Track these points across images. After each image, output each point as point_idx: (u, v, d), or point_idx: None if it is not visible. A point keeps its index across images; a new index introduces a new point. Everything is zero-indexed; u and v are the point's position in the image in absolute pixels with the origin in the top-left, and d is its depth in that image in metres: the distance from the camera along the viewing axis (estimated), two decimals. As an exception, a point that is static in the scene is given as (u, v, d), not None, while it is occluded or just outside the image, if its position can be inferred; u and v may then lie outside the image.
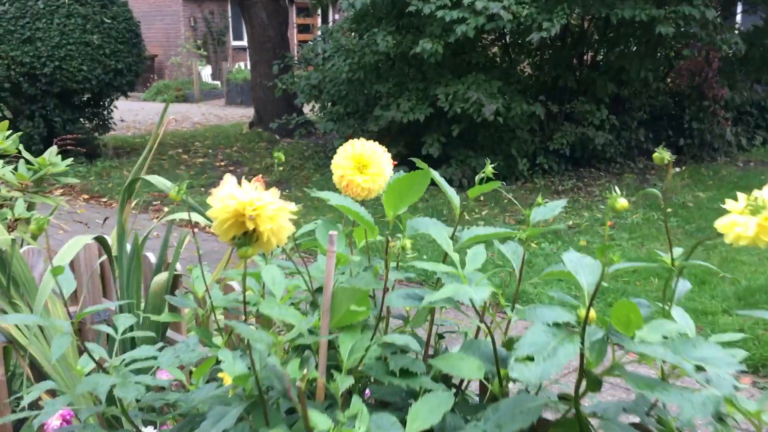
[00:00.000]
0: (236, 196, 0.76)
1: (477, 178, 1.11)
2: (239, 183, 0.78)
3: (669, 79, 7.64)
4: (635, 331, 0.77)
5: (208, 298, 1.15)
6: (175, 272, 1.69)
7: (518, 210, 5.64)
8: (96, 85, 6.96)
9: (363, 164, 1.10)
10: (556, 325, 0.78)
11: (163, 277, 1.62)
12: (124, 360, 1.05)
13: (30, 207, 2.32)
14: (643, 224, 5.10)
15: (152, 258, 1.80)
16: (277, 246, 0.80)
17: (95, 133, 7.56)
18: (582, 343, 0.77)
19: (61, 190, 6.37)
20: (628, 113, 7.13)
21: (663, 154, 0.87)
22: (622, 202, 0.82)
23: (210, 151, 8.13)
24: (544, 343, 0.76)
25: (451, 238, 0.96)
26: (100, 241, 1.62)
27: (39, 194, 2.32)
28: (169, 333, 1.71)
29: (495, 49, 7.29)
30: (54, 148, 2.44)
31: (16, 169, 2.24)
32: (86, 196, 6.18)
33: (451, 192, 1.06)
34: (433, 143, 6.25)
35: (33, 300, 1.84)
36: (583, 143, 6.63)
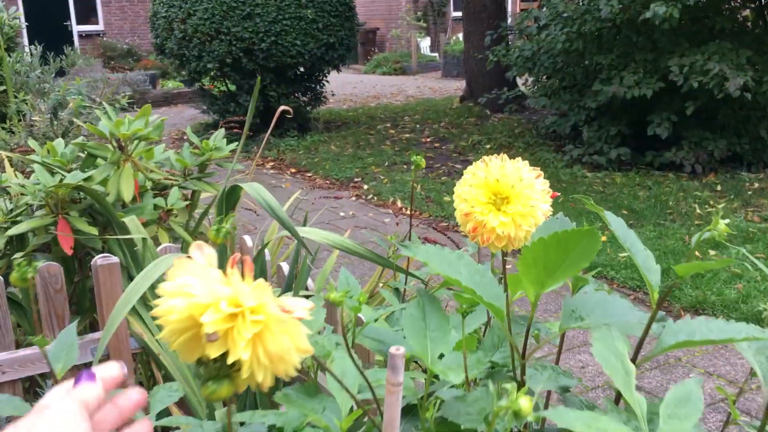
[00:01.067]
0: (193, 290, 0.41)
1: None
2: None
3: None
4: None
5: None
6: (305, 292, 1.40)
7: (765, 205, 4.68)
8: (308, 59, 7.04)
9: (502, 196, 0.69)
10: None
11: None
12: None
13: (194, 195, 2.19)
14: None
15: (285, 269, 1.53)
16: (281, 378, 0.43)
17: (308, 107, 7.70)
18: None
19: (272, 163, 6.55)
20: None
21: None
22: None
23: (417, 126, 7.93)
24: None
25: (638, 350, 0.53)
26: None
27: (202, 181, 2.16)
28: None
29: (746, 12, 6.16)
30: (221, 131, 2.28)
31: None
32: (293, 170, 6.27)
33: (642, 259, 0.61)
34: (662, 122, 5.43)
35: (169, 303, 1.66)
36: None
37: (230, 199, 1.32)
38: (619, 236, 0.58)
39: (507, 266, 0.74)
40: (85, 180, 1.68)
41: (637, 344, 0.56)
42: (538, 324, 0.86)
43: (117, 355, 1.60)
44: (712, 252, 3.87)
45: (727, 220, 0.55)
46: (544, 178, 0.72)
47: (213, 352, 0.40)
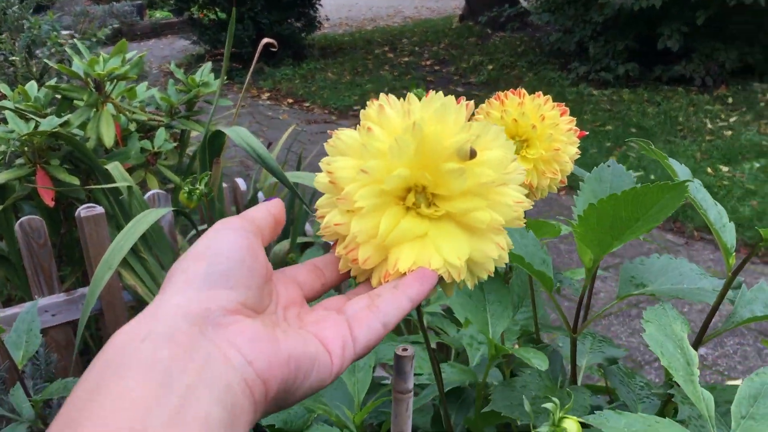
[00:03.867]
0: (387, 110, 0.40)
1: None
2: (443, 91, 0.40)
3: None
4: None
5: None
6: (304, 239, 1.31)
7: (779, 117, 4.53)
8: (300, -17, 6.75)
9: (521, 138, 0.58)
10: None
11: (284, 247, 1.24)
12: None
13: (183, 135, 2.07)
14: None
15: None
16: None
17: (303, 34, 7.43)
18: None
19: (268, 94, 6.37)
20: None
21: None
22: None
23: (416, 48, 7.68)
24: None
25: (707, 324, 0.43)
26: (183, 215, 1.26)
27: (190, 120, 2.04)
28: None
29: None
30: (208, 65, 2.13)
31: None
32: (291, 100, 6.09)
33: (714, 216, 0.50)
34: (672, 35, 5.20)
35: (162, 253, 1.58)
36: None
37: (214, 145, 1.21)
38: (689, 187, 0.47)
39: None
40: (61, 125, 1.56)
41: (708, 315, 0.46)
42: (559, 275, 0.77)
43: (110, 310, 1.52)
44: (724, 168, 3.76)
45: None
46: (550, 98, 0.61)
47: None
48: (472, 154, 0.36)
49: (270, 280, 0.37)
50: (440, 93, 0.39)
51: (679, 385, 0.47)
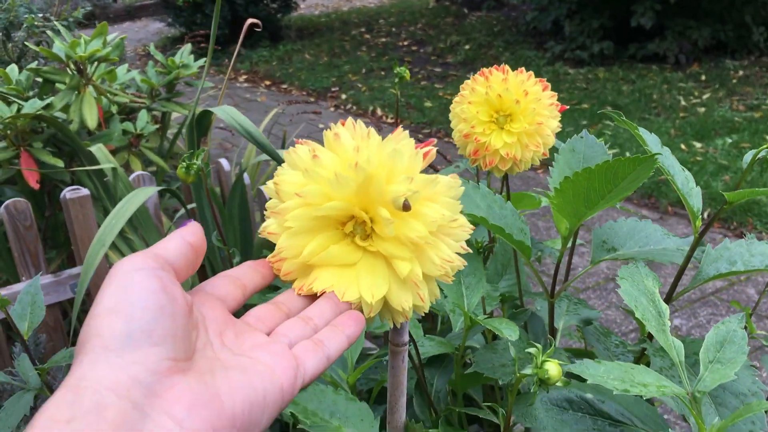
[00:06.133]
0: (342, 137, 0.39)
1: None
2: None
3: None
4: None
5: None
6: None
7: (751, 93, 4.61)
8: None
9: (505, 113, 0.61)
10: None
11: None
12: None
13: (164, 117, 2.07)
14: None
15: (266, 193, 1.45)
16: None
17: (279, 15, 7.38)
18: None
19: (246, 76, 6.33)
20: None
21: None
22: None
23: (393, 29, 7.67)
24: None
25: (676, 282, 0.46)
26: (173, 194, 1.28)
27: (171, 102, 2.04)
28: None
29: None
30: (188, 47, 2.13)
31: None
32: (268, 82, 6.06)
33: (681, 181, 0.54)
34: (645, 12, 5.25)
35: (148, 233, 1.59)
36: None
37: (201, 125, 1.23)
38: (657, 156, 0.50)
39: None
40: (44, 108, 1.57)
41: (677, 275, 0.50)
42: (540, 244, 0.80)
43: (98, 290, 1.54)
44: (697, 144, 3.83)
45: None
46: (532, 73, 0.64)
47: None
48: (406, 208, 0.36)
49: (192, 313, 0.35)
50: (405, 133, 0.39)
51: (651, 340, 0.51)
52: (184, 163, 0.58)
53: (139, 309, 0.32)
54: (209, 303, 0.37)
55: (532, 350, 0.40)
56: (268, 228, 0.40)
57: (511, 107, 0.59)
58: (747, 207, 3.00)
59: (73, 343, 1.64)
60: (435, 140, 0.41)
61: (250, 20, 1.01)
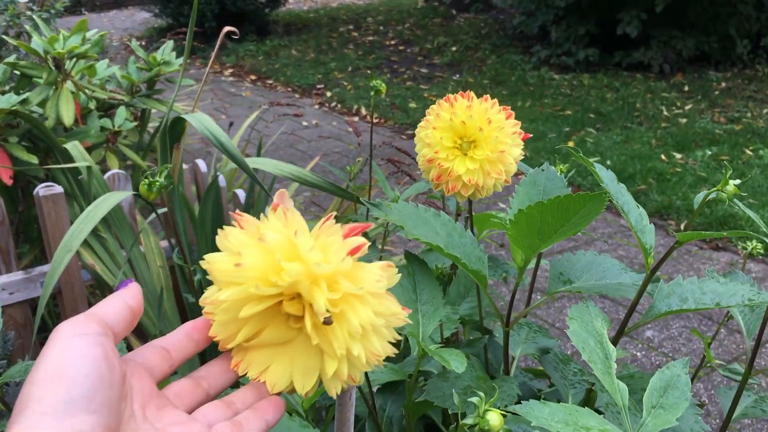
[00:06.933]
0: (267, 238, 0.37)
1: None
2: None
3: None
4: None
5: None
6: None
7: (732, 105, 4.66)
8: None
9: (469, 140, 0.62)
10: None
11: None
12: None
13: (144, 114, 2.06)
14: None
15: (242, 197, 1.45)
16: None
17: (267, 9, 7.35)
18: None
19: (231, 70, 6.30)
20: None
21: None
22: None
23: (381, 28, 7.66)
24: None
25: (628, 316, 0.47)
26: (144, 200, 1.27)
27: (152, 98, 2.03)
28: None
29: None
30: (170, 43, 2.12)
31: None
32: (254, 77, 6.04)
33: (635, 218, 0.54)
34: (632, 21, 5.30)
35: (122, 232, 1.58)
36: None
37: (174, 131, 1.22)
38: (612, 192, 0.51)
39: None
40: (20, 103, 1.55)
41: (628, 310, 0.51)
42: (505, 265, 0.81)
43: (69, 289, 1.53)
44: (677, 155, 3.87)
45: (737, 181, 0.49)
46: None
47: (316, 338, 0.37)
48: (327, 322, 0.36)
49: (125, 382, 0.35)
50: (335, 227, 0.38)
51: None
52: (147, 180, 0.57)
53: (83, 377, 0.32)
54: (138, 373, 0.38)
55: (474, 399, 0.40)
56: (207, 308, 0.39)
57: (475, 134, 0.59)
58: (723, 220, 3.04)
59: (42, 341, 1.63)
60: (372, 224, 0.41)
61: (227, 28, 1.01)
